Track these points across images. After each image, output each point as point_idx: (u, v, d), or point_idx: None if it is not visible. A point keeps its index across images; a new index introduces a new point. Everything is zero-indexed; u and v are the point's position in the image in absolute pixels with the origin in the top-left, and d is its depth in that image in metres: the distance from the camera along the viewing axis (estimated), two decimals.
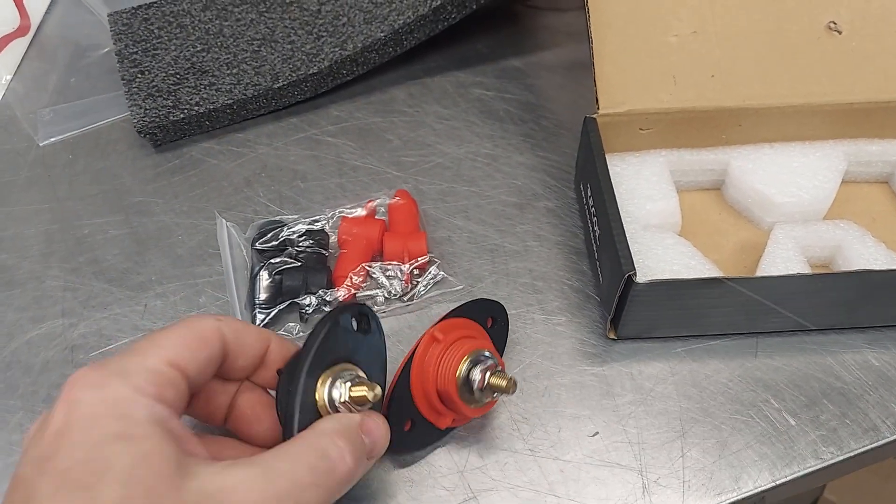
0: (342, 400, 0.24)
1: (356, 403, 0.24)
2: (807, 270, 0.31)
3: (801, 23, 0.34)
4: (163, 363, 0.21)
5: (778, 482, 0.28)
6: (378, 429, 0.24)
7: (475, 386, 0.26)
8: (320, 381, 0.24)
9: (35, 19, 0.47)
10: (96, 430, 0.19)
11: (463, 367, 0.26)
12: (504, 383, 0.25)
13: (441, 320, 0.28)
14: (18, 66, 0.45)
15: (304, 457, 0.21)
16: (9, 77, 0.44)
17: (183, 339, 0.22)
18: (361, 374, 0.25)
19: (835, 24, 0.34)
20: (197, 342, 0.22)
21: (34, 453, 0.19)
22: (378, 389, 0.24)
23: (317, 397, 0.24)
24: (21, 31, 0.46)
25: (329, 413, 0.24)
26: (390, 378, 0.27)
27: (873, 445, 0.29)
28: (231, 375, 0.25)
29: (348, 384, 0.24)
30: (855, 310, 0.31)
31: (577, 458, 0.28)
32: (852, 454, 0.29)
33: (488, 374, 0.26)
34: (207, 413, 0.25)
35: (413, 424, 0.27)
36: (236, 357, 0.24)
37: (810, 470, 0.28)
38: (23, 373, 0.31)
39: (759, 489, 0.28)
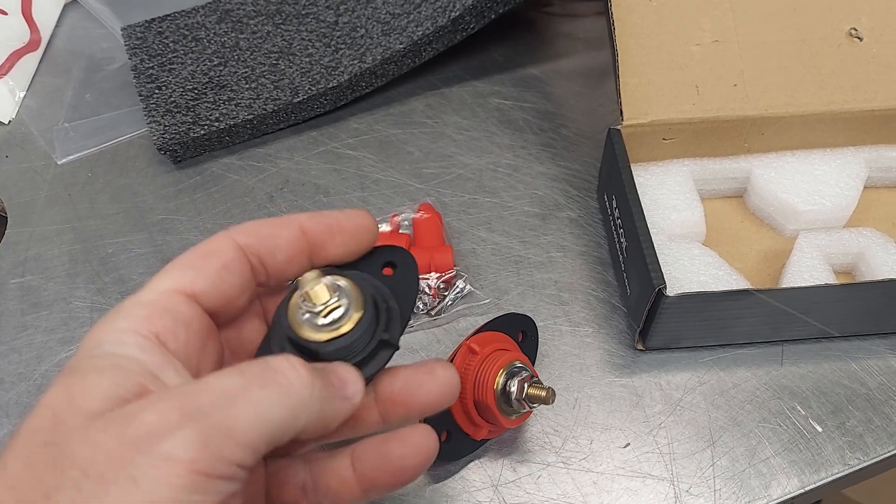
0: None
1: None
2: (832, 279, 0.31)
3: (822, 31, 0.35)
4: (158, 293, 0.19)
5: (807, 488, 0.29)
6: (339, 368, 0.19)
7: (513, 396, 0.26)
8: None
9: (45, 33, 0.47)
10: (83, 362, 0.17)
11: (500, 379, 0.27)
12: (543, 393, 0.26)
13: (474, 333, 0.28)
14: (31, 81, 0.45)
15: (238, 367, 0.17)
16: (22, 94, 0.44)
17: (185, 260, 0.19)
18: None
19: (856, 30, 0.35)
20: (200, 258, 0.19)
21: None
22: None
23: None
24: (32, 46, 0.46)
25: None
26: None
27: None
28: (286, 275, 0.21)
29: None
30: (879, 317, 0.31)
31: (609, 470, 0.29)
32: (879, 459, 0.29)
33: (526, 384, 0.26)
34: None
35: (449, 435, 0.27)
36: (271, 254, 0.20)
37: (838, 476, 0.29)
38: None
39: (789, 495, 0.29)
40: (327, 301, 0.19)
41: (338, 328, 0.19)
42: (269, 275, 0.21)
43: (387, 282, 0.21)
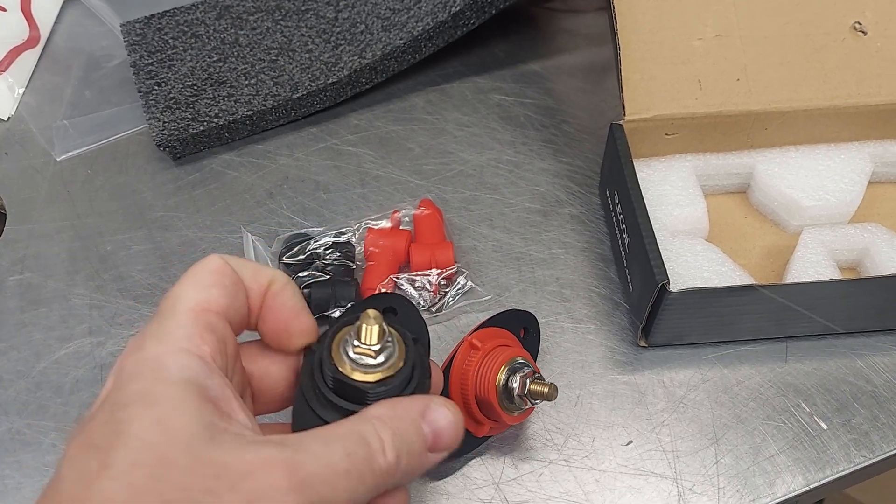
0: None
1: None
2: (836, 275, 0.31)
3: (825, 25, 0.34)
4: (194, 311, 0.19)
5: (812, 486, 0.28)
6: (444, 419, 0.20)
7: (515, 392, 0.26)
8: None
9: (44, 30, 0.47)
10: (125, 391, 0.18)
11: (502, 375, 0.26)
12: (546, 389, 0.26)
13: (476, 329, 0.28)
14: (30, 78, 0.45)
15: (342, 441, 0.18)
16: (21, 90, 0.44)
17: (200, 281, 0.20)
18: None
19: (860, 24, 0.34)
20: (212, 275, 0.20)
21: (78, 423, 0.18)
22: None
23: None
24: (31, 43, 0.46)
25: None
26: None
27: None
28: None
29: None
30: (885, 313, 0.31)
31: (611, 468, 0.29)
32: (884, 456, 0.29)
33: (528, 380, 0.26)
34: (269, 403, 0.22)
35: None
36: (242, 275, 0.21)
37: (843, 473, 0.29)
38: (53, 393, 0.31)
39: (794, 493, 0.28)
40: (380, 342, 0.20)
41: (388, 368, 0.20)
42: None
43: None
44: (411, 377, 0.21)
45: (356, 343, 0.20)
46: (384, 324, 0.20)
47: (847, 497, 0.64)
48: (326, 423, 0.19)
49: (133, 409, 0.17)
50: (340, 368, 0.20)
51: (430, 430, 0.20)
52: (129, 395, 0.18)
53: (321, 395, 0.20)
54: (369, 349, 0.20)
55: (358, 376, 0.20)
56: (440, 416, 0.20)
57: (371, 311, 0.20)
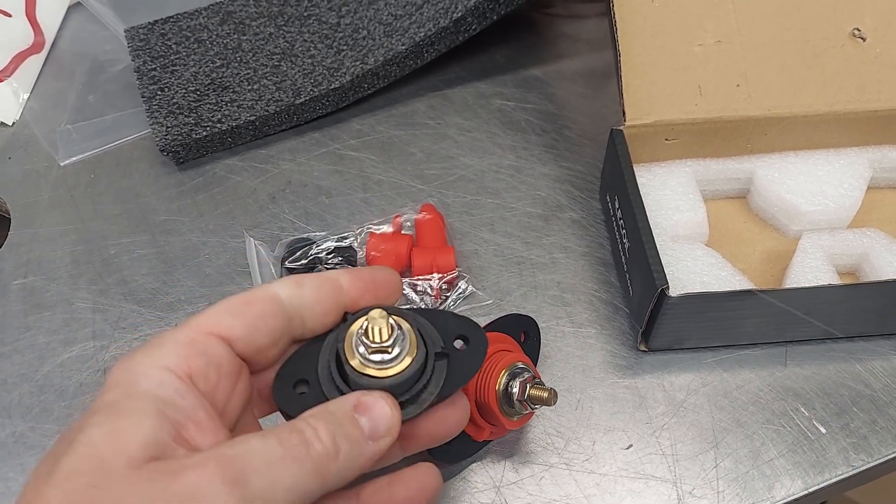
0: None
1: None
2: (835, 279, 0.31)
3: (825, 31, 0.34)
4: (196, 332, 0.19)
5: (810, 490, 0.28)
6: (376, 406, 0.20)
7: (515, 397, 0.26)
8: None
9: (49, 35, 0.47)
10: (99, 400, 0.18)
11: (502, 380, 0.26)
12: (545, 395, 0.26)
13: None
14: (35, 83, 0.45)
15: (276, 432, 0.18)
16: (26, 95, 0.44)
17: (226, 305, 0.20)
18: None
19: (859, 30, 0.34)
20: (242, 304, 0.20)
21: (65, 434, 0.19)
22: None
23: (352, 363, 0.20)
24: (36, 48, 0.46)
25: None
26: None
27: None
28: (319, 329, 0.22)
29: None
30: (883, 318, 0.31)
31: (612, 471, 0.29)
32: (883, 460, 0.29)
33: (528, 385, 0.26)
34: None
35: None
36: (310, 308, 0.21)
37: (842, 477, 0.29)
38: (56, 396, 0.32)
39: (793, 497, 0.28)
40: (386, 340, 0.20)
41: (389, 368, 0.20)
42: (305, 328, 0.22)
43: (459, 353, 0.22)
44: (418, 381, 0.21)
45: (364, 339, 0.20)
46: (393, 322, 0.20)
47: (849, 500, 0.64)
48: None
49: (95, 418, 0.18)
50: (348, 358, 0.21)
51: (365, 419, 0.20)
52: (98, 405, 0.18)
53: (325, 380, 0.21)
54: (372, 345, 0.20)
55: (361, 368, 0.20)
56: (372, 403, 0.20)
57: (376, 311, 0.20)
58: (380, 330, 0.20)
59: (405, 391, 0.21)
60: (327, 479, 0.19)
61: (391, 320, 0.20)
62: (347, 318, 0.22)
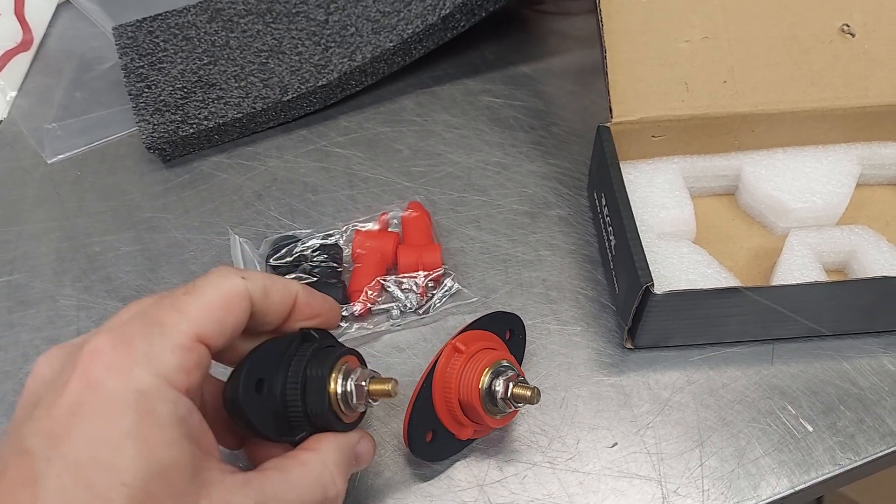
0: (366, 390, 0.24)
1: (377, 396, 0.24)
2: (822, 277, 0.31)
3: (813, 26, 0.34)
4: (190, 340, 0.19)
5: (796, 488, 0.28)
6: (367, 452, 0.25)
7: (498, 396, 0.26)
8: (334, 371, 0.24)
9: (38, 33, 0.47)
10: (115, 423, 0.17)
11: (485, 378, 0.26)
12: (528, 393, 0.26)
13: (460, 332, 0.28)
14: (23, 81, 0.45)
15: (307, 489, 0.22)
16: (13, 93, 0.44)
17: (210, 308, 0.20)
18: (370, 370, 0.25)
19: (847, 26, 0.34)
20: (224, 310, 0.21)
21: (45, 425, 0.18)
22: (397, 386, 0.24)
23: (331, 389, 0.23)
24: (24, 46, 0.46)
25: (338, 403, 0.23)
26: (412, 389, 0.27)
27: (890, 450, 0.29)
28: (259, 330, 0.24)
29: (367, 380, 0.24)
30: (871, 315, 0.31)
31: (596, 470, 0.29)
32: (870, 459, 0.29)
33: (511, 384, 0.26)
34: (230, 363, 0.24)
35: (434, 435, 0.27)
36: (264, 314, 0.23)
37: (828, 476, 0.29)
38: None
39: (778, 496, 0.28)
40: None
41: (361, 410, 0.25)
42: (249, 327, 0.23)
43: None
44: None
45: (364, 384, 0.24)
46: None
47: (845, 497, 0.64)
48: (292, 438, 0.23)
49: (129, 452, 0.17)
50: (339, 412, 0.24)
51: (356, 458, 0.25)
52: (120, 433, 0.18)
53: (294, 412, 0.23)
54: (368, 401, 0.24)
55: (345, 418, 0.24)
56: (365, 451, 0.25)
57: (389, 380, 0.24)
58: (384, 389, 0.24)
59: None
60: None
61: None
62: (304, 334, 0.24)
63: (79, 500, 0.17)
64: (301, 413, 0.23)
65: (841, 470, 0.28)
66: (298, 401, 0.22)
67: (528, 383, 0.26)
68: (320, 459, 0.23)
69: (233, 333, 0.21)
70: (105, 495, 0.17)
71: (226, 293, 0.21)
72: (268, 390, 0.22)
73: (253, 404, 0.22)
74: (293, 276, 0.33)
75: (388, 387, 0.24)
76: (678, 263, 0.32)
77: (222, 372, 0.23)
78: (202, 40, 0.43)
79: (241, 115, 0.40)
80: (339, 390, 0.23)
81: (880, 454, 0.29)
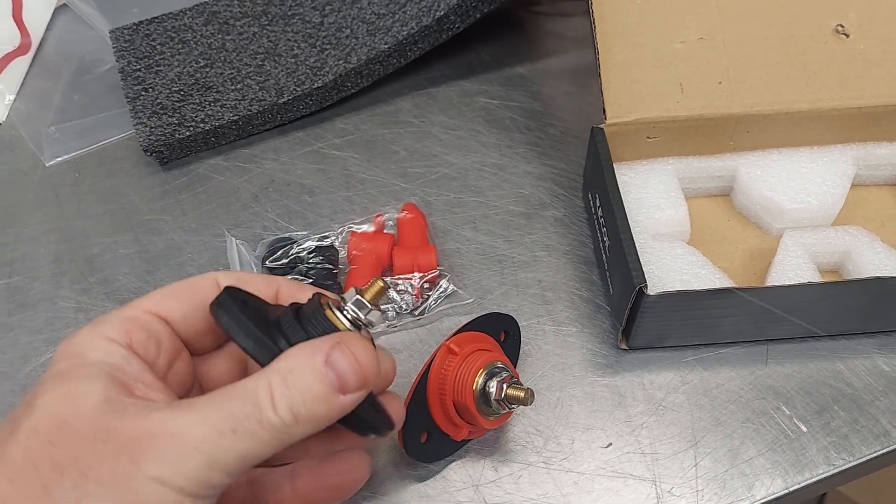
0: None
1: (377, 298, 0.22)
2: (817, 278, 0.31)
3: (808, 27, 0.34)
4: (139, 311, 0.21)
5: (790, 489, 0.28)
6: (345, 360, 0.19)
7: (492, 397, 0.26)
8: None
9: (36, 37, 0.47)
10: (50, 371, 0.20)
11: (479, 380, 0.26)
12: (522, 394, 0.26)
13: (455, 334, 0.28)
14: (21, 84, 0.45)
15: (231, 400, 0.18)
16: (12, 97, 0.44)
17: (171, 289, 0.22)
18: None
19: (843, 27, 0.34)
20: (186, 290, 0.22)
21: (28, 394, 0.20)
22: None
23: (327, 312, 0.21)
24: (22, 50, 0.46)
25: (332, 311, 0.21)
26: (406, 391, 0.27)
27: (885, 451, 0.29)
28: None
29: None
30: (865, 316, 0.31)
31: (590, 470, 0.29)
32: (864, 460, 0.29)
33: (505, 385, 0.26)
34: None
35: (429, 436, 0.27)
36: None
37: (822, 476, 0.29)
38: None
39: (772, 496, 0.28)
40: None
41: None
42: None
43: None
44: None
45: (358, 298, 0.21)
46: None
47: (846, 497, 0.64)
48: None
49: (47, 385, 0.19)
50: (329, 317, 0.21)
51: (334, 373, 0.19)
52: (49, 375, 0.19)
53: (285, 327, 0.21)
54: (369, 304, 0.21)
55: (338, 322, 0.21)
56: (340, 358, 0.19)
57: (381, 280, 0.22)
58: (379, 290, 0.22)
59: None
60: (284, 441, 0.19)
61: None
62: (295, 307, 0.22)
63: (3, 429, 0.19)
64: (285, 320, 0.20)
65: (835, 470, 0.29)
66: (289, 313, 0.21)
67: (521, 385, 0.26)
68: (266, 368, 0.19)
69: (197, 313, 0.22)
70: (15, 417, 0.19)
71: (194, 279, 0.22)
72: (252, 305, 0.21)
73: (234, 311, 0.20)
74: (289, 277, 0.33)
75: (379, 285, 0.21)
76: (672, 264, 0.32)
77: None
78: (199, 43, 0.43)
79: (237, 117, 0.40)
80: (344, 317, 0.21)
81: (874, 454, 0.29)
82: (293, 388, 0.19)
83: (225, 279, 0.23)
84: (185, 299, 0.22)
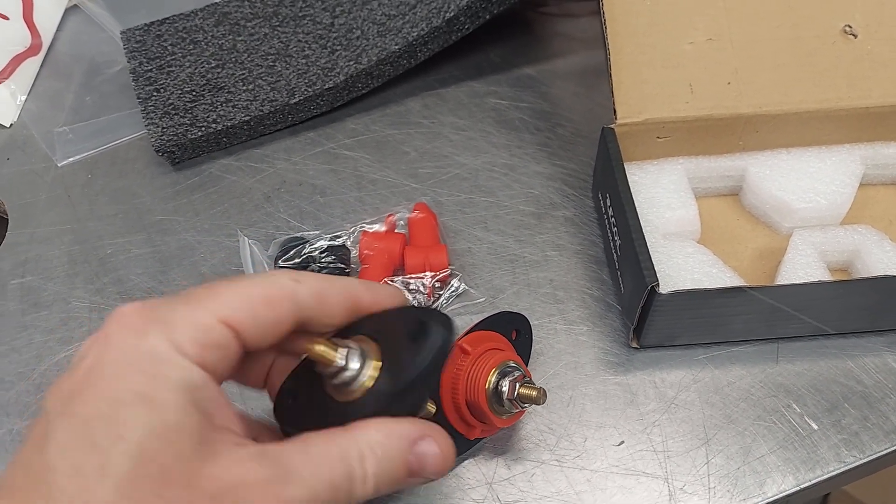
0: None
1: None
2: (826, 276, 0.31)
3: (816, 28, 0.34)
4: (214, 318, 0.19)
5: (802, 486, 0.29)
6: (433, 453, 0.20)
7: (504, 396, 0.26)
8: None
9: (46, 37, 0.47)
10: (123, 383, 0.17)
11: (492, 379, 0.27)
12: (534, 394, 0.26)
13: (467, 333, 0.28)
14: (32, 85, 0.45)
15: (330, 470, 0.18)
16: (23, 97, 0.45)
17: (246, 296, 0.19)
18: None
19: (850, 27, 0.34)
20: (262, 302, 0.19)
21: (64, 386, 0.18)
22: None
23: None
24: (33, 50, 0.46)
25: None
26: None
27: (895, 448, 0.29)
28: (320, 330, 0.22)
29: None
30: (875, 314, 0.31)
31: (603, 468, 0.29)
32: (874, 457, 0.29)
33: (517, 384, 0.26)
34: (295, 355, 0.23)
35: None
36: (321, 318, 0.21)
37: (833, 473, 0.29)
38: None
39: (784, 493, 0.28)
40: (338, 360, 0.20)
41: (360, 385, 0.20)
42: (311, 328, 0.21)
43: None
44: (395, 391, 0.20)
45: (323, 369, 0.20)
46: (332, 344, 0.20)
47: (850, 497, 0.64)
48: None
49: (133, 409, 0.17)
50: (329, 393, 0.21)
51: (416, 460, 0.20)
52: (127, 391, 0.17)
53: (314, 401, 0.21)
54: (330, 370, 0.20)
55: (341, 398, 0.20)
56: (429, 450, 0.20)
57: (315, 341, 0.20)
58: (325, 353, 0.20)
59: (390, 400, 0.20)
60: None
61: (329, 343, 0.20)
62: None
63: (80, 452, 0.17)
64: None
65: (846, 467, 0.29)
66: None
67: (533, 384, 0.26)
68: (352, 436, 0.19)
69: (274, 330, 0.20)
70: (103, 447, 0.17)
71: (269, 289, 0.20)
72: (300, 404, 0.21)
73: (283, 418, 0.21)
74: None
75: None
76: (683, 263, 0.32)
77: None
78: (210, 44, 0.43)
79: (248, 117, 0.40)
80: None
81: (885, 452, 0.29)
82: (383, 466, 0.19)
83: (307, 293, 0.20)
84: (261, 314, 0.19)
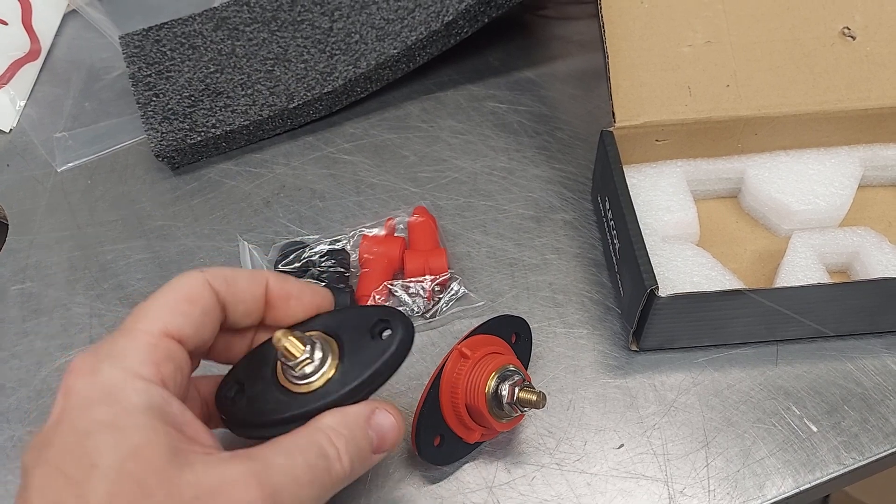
0: None
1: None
2: (825, 278, 0.31)
3: (814, 29, 0.35)
4: (154, 336, 0.20)
5: (801, 488, 0.29)
6: (386, 421, 0.22)
7: (504, 400, 0.27)
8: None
9: (45, 43, 0.47)
10: (87, 418, 0.18)
11: (491, 383, 0.27)
12: (534, 398, 0.26)
13: (466, 337, 0.28)
14: (31, 90, 0.45)
15: (303, 453, 0.20)
16: (22, 103, 0.45)
17: (170, 304, 0.21)
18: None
19: (848, 29, 0.34)
20: (186, 303, 0.21)
21: (36, 441, 0.19)
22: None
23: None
24: (32, 56, 0.46)
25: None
26: (418, 394, 0.27)
27: (894, 449, 0.29)
28: (238, 325, 0.23)
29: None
30: (874, 316, 0.31)
31: (603, 471, 0.29)
32: (874, 459, 0.29)
33: (517, 388, 0.26)
34: (229, 360, 0.24)
35: (442, 439, 0.28)
36: (235, 305, 0.22)
37: (833, 475, 0.29)
38: (54, 401, 0.32)
39: (783, 496, 0.28)
40: (304, 351, 0.22)
41: (320, 378, 0.22)
42: (227, 322, 0.23)
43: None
44: (349, 380, 0.22)
45: (286, 360, 0.22)
46: (299, 336, 0.22)
47: (851, 498, 0.64)
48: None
49: (101, 438, 0.18)
50: (283, 385, 0.22)
51: (375, 434, 0.22)
52: (92, 423, 0.18)
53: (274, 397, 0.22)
54: (292, 362, 0.21)
55: (298, 390, 0.22)
56: (384, 421, 0.22)
57: (279, 332, 0.21)
58: (292, 347, 0.21)
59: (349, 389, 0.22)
60: (338, 489, 0.21)
61: (296, 334, 0.21)
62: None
63: (56, 488, 0.17)
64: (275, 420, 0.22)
65: (845, 469, 0.29)
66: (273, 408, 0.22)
67: (533, 388, 0.27)
68: (314, 426, 0.21)
69: (208, 326, 0.21)
70: (77, 479, 0.17)
71: (184, 287, 0.21)
72: (247, 395, 0.22)
73: (228, 409, 0.22)
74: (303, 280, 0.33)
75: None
76: (682, 266, 0.32)
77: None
78: (208, 49, 0.43)
79: (248, 122, 0.40)
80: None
81: (884, 453, 0.29)
82: (352, 444, 0.21)
83: (213, 278, 0.22)
84: (190, 313, 0.21)
